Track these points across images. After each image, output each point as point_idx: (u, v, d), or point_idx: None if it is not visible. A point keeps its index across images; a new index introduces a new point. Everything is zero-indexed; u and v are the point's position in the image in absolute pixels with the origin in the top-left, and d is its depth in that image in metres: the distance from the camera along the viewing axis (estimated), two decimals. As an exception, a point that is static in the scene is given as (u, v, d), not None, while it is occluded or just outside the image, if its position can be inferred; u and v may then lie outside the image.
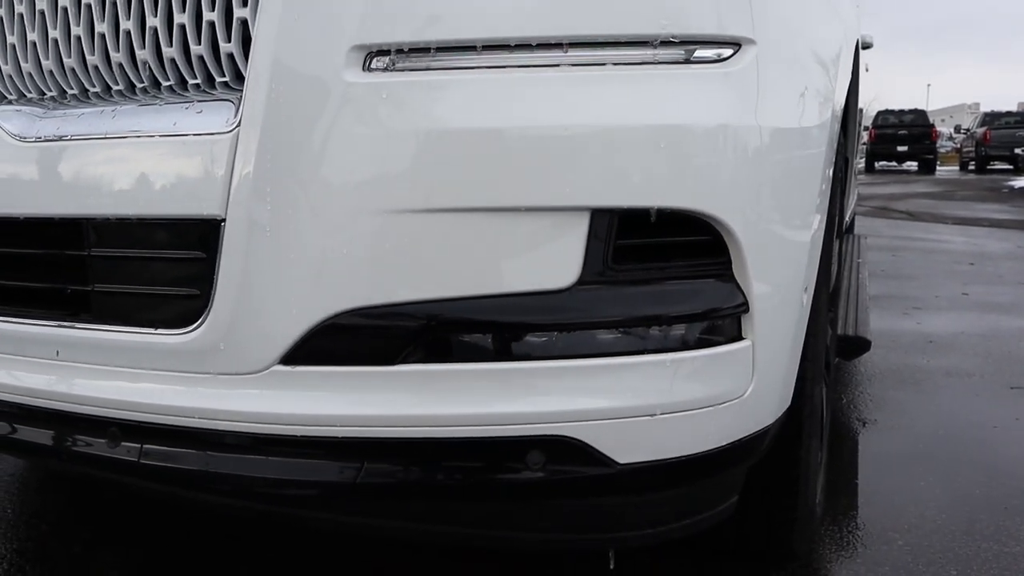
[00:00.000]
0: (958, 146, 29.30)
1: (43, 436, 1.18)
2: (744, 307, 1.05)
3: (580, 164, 0.98)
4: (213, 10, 1.05)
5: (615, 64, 0.99)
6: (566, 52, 0.98)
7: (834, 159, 1.35)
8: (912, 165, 24.14)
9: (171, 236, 1.06)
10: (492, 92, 0.98)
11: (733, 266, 1.03)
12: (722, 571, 1.57)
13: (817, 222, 1.19)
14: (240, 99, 1.01)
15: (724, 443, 1.09)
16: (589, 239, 0.99)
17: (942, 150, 28.80)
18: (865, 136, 22.36)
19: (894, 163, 24.51)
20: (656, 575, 1.55)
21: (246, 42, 1.02)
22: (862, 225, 6.99)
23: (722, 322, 1.05)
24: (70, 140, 1.11)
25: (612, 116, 0.98)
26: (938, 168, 23.46)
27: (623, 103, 0.99)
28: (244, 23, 1.03)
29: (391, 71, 0.98)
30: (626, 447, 1.03)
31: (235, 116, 1.00)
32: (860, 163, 22.94)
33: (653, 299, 1.03)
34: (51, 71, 1.19)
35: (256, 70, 0.99)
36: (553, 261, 0.99)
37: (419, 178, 0.97)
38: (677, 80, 0.99)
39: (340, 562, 1.66)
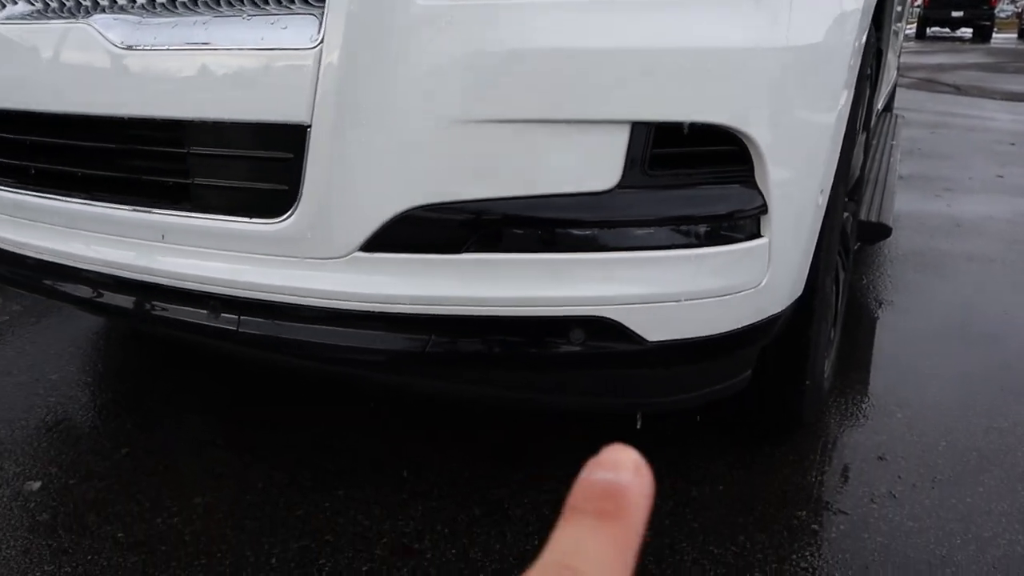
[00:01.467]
0: (1019, 11, 27.87)
1: (156, 308, 1.37)
2: (763, 209, 1.19)
3: (622, 82, 1.11)
4: (296, -68, 1.17)
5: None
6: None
7: (860, 66, 1.45)
8: (967, 32, 23.18)
9: (262, 138, 1.21)
10: (544, 16, 1.10)
11: (755, 173, 1.17)
12: (737, 435, 1.78)
13: (835, 132, 1.31)
14: (322, 16, 1.14)
15: (740, 326, 1.26)
16: (629, 148, 1.13)
17: (1001, 15, 27.42)
18: (920, 0, 21.41)
19: (947, 29, 23.55)
20: (679, 438, 1.76)
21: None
22: (903, 99, 6.90)
23: (743, 222, 1.19)
24: (167, 48, 1.25)
25: (650, 39, 1.10)
26: (994, 35, 22.51)
27: (659, 27, 1.11)
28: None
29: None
30: (655, 327, 1.20)
31: (318, 33, 1.13)
32: (911, 29, 22.05)
33: (683, 202, 1.17)
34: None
35: None
36: (597, 167, 1.14)
37: (479, 92, 1.11)
38: (711, 6, 1.10)
39: (396, 424, 1.88)
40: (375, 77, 1.11)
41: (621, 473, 0.25)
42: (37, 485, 1.67)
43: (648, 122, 1.12)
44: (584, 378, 1.32)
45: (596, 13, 1.10)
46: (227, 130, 1.23)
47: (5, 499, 1.63)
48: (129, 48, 1.28)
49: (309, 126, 1.15)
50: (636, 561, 0.24)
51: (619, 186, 1.14)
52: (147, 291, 1.37)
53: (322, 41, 1.12)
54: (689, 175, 1.17)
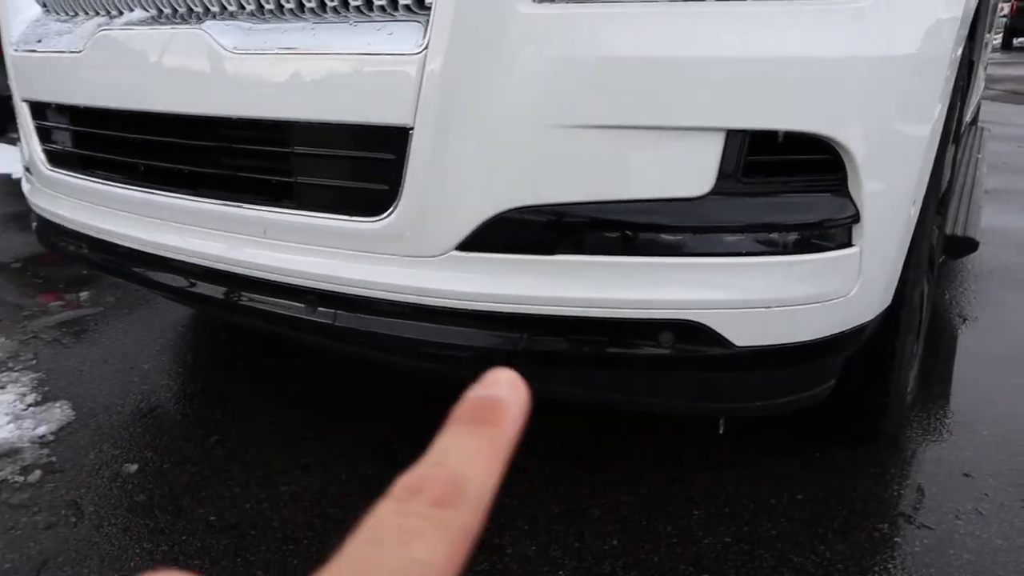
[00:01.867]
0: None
1: (255, 301, 1.43)
2: (855, 218, 1.19)
3: (718, 90, 1.12)
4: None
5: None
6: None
7: (954, 78, 1.44)
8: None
9: (365, 139, 1.26)
10: (643, 25, 1.12)
11: (848, 183, 1.18)
12: (818, 443, 1.77)
13: (929, 143, 1.31)
14: (427, 24, 1.18)
15: (827, 334, 1.26)
16: (723, 155, 1.14)
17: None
18: (1006, 9, 20.76)
19: (1034, 41, 22.76)
20: (759, 444, 1.76)
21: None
22: (988, 111, 6.72)
23: (834, 231, 1.20)
24: (276, 52, 1.31)
25: (747, 48, 1.12)
26: (1083, 47, 21.68)
27: (757, 36, 1.12)
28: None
29: (558, 2, 1.13)
30: (743, 332, 1.21)
31: (423, 40, 1.18)
32: (996, 39, 21.37)
33: (775, 209, 1.18)
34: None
35: (442, 1, 1.16)
36: (691, 173, 1.15)
37: (577, 99, 1.14)
38: (810, 17, 1.11)
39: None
40: (477, 83, 1.15)
41: (499, 389, 0.28)
42: (134, 468, 1.75)
43: (743, 130, 1.13)
44: (671, 381, 1.34)
45: (694, 22, 1.12)
46: (331, 131, 1.28)
47: (105, 480, 1.71)
48: (240, 52, 1.34)
49: (411, 128, 1.19)
50: (507, 467, 0.27)
51: (712, 192, 1.16)
52: (246, 284, 1.43)
53: (426, 48, 1.17)
54: (782, 183, 1.19)
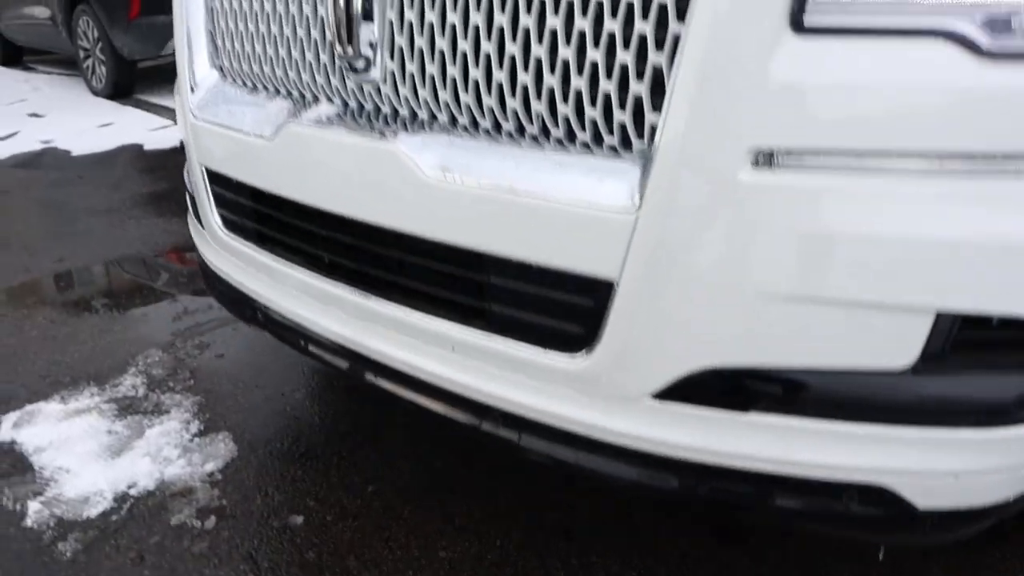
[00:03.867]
0: None
1: (434, 404, 1.50)
2: (1057, 398, 1.19)
3: (933, 272, 1.12)
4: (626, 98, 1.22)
5: (977, 174, 1.10)
6: (940, 164, 1.10)
7: None
8: None
9: (565, 283, 1.29)
10: (863, 203, 1.12)
11: (1054, 365, 1.17)
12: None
13: None
14: (641, 178, 1.18)
15: (1011, 496, 1.27)
16: (931, 333, 1.15)
17: None
18: None
19: None
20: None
21: (637, 113, 1.19)
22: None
23: (1030, 410, 1.20)
24: (474, 180, 1.33)
25: (965, 230, 1.11)
26: None
27: (974, 219, 1.11)
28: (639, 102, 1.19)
29: (782, 170, 1.13)
30: (928, 497, 1.24)
31: (637, 196, 1.19)
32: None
33: (974, 386, 1.19)
34: (468, 105, 1.36)
35: (662, 161, 1.16)
36: (894, 347, 1.16)
37: (791, 270, 1.15)
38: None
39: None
40: (689, 247, 1.17)
41: None
42: (300, 520, 1.87)
43: (955, 313, 1.14)
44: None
45: (911, 203, 1.11)
46: (530, 270, 1.31)
47: (275, 531, 1.84)
48: (436, 173, 1.36)
49: (617, 283, 1.22)
50: None
51: (914, 367, 1.16)
52: (428, 390, 1.50)
53: (640, 207, 1.18)
54: (987, 361, 1.19)
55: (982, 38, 1.03)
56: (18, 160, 5.34)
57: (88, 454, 2.10)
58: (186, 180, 2.07)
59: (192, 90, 1.86)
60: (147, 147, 5.58)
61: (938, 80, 1.05)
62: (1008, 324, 1.15)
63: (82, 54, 7.95)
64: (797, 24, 1.07)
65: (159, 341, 2.71)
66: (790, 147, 1.12)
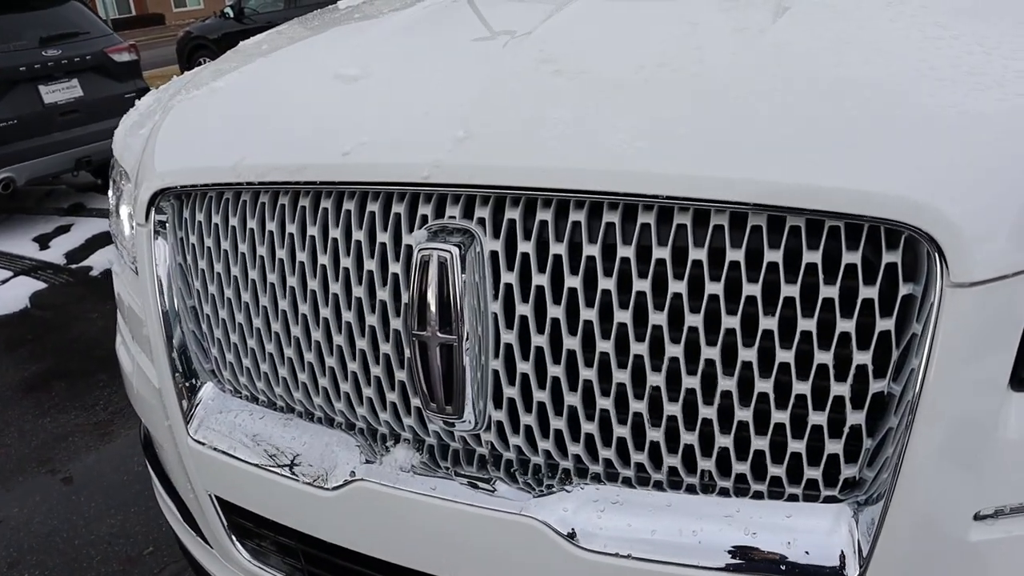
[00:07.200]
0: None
1: None
2: None
3: None
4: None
5: None
6: None
7: None
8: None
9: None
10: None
11: None
12: None
13: None
14: (857, 552, 1.04)
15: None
16: None
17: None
18: None
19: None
20: None
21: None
22: None
23: None
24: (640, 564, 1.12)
25: None
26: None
27: None
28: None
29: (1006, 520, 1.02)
30: None
31: (855, 562, 1.04)
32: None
33: None
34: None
35: (891, 531, 1.02)
36: None
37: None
38: None
39: None
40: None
41: None
42: None
43: None
44: None
45: None
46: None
47: None
48: (588, 548, 1.15)
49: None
50: None
51: None
52: None
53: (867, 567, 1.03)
54: None
55: None
56: None
57: None
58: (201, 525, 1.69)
59: (184, 411, 1.52)
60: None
61: None
62: None
63: None
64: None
65: None
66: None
